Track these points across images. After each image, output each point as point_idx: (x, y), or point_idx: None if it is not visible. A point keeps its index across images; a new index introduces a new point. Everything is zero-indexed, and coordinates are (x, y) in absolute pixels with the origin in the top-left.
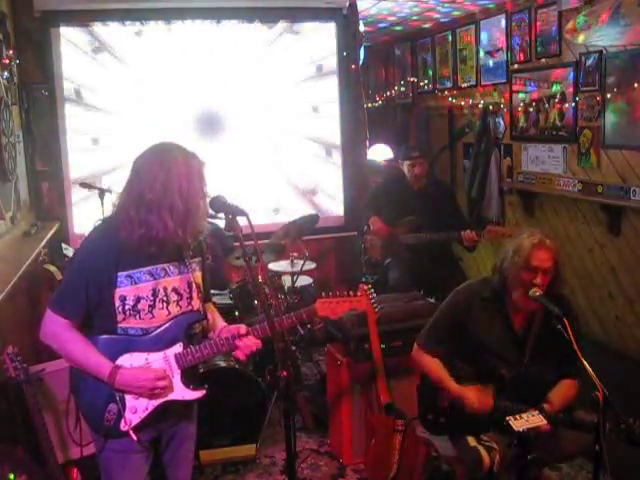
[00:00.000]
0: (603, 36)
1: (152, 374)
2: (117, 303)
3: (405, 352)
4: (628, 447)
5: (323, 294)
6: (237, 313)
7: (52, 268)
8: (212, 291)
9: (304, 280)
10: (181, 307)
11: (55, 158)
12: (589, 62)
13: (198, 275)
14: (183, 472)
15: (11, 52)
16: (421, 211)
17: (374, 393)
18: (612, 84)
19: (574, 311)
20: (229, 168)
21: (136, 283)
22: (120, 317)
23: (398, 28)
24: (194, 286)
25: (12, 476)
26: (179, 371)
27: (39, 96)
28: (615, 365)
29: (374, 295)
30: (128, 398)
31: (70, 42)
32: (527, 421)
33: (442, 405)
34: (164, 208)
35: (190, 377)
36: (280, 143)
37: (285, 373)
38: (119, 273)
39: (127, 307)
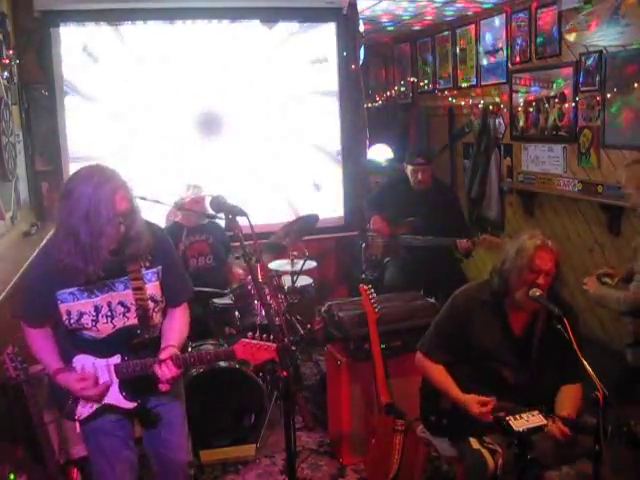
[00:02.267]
0: (603, 36)
1: (81, 383)
2: (64, 316)
3: (405, 352)
4: (630, 449)
5: (248, 335)
6: (237, 313)
7: None
8: (214, 290)
9: (304, 280)
10: (128, 319)
11: (55, 158)
12: (589, 62)
13: (155, 285)
14: (177, 459)
15: (11, 52)
16: (422, 213)
17: (374, 393)
18: (612, 84)
19: (574, 312)
20: (229, 168)
21: (78, 299)
22: (70, 328)
23: (398, 28)
24: (146, 298)
25: (12, 476)
26: (117, 380)
27: (39, 96)
28: (615, 365)
29: (374, 295)
30: None
31: (70, 42)
32: (527, 421)
33: (444, 407)
34: (68, 234)
35: (127, 387)
36: (280, 143)
37: (285, 373)
38: (60, 291)
39: (72, 320)
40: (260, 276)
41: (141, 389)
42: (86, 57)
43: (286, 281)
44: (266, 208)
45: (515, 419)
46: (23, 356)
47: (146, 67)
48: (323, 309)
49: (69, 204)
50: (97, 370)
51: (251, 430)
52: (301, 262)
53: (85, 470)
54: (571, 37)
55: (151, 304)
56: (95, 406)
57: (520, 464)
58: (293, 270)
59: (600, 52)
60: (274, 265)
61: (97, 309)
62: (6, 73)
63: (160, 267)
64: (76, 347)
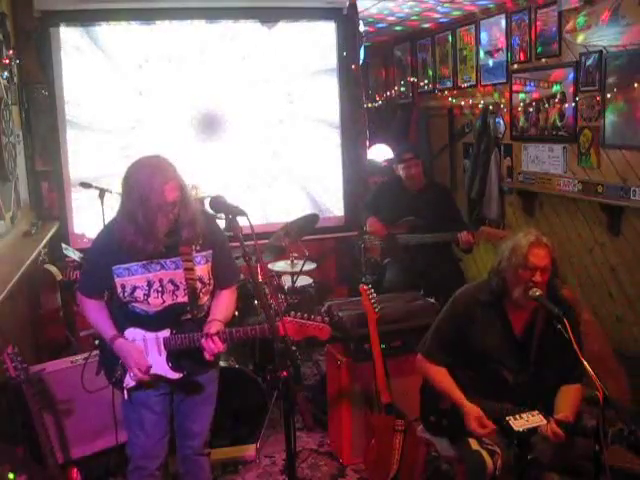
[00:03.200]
0: (603, 36)
1: (139, 358)
2: (119, 289)
3: (405, 352)
4: (631, 452)
5: (292, 313)
6: (237, 313)
7: (52, 268)
8: None
9: (304, 280)
10: (177, 297)
11: (55, 158)
12: (589, 62)
13: (203, 268)
14: (197, 428)
15: (11, 52)
16: (419, 212)
17: (374, 393)
18: (612, 84)
19: (574, 311)
20: (229, 168)
21: (132, 274)
22: (124, 300)
23: (398, 28)
24: (195, 279)
25: (12, 476)
26: (165, 352)
27: (39, 96)
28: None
29: (374, 295)
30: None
31: (70, 42)
32: (527, 421)
33: (444, 407)
34: (128, 216)
35: (174, 359)
36: (280, 143)
37: (285, 373)
38: (117, 266)
39: (126, 293)
40: (260, 276)
41: (187, 361)
42: (86, 57)
43: (286, 281)
44: (266, 208)
45: (515, 419)
46: (23, 356)
47: (146, 67)
48: (323, 309)
49: (127, 189)
50: (147, 342)
51: (251, 430)
52: (301, 262)
53: (85, 470)
54: (571, 37)
55: (199, 285)
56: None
57: (520, 464)
58: (293, 270)
59: (600, 52)
60: (274, 265)
61: (149, 284)
62: (6, 73)
63: (210, 252)
64: (128, 321)
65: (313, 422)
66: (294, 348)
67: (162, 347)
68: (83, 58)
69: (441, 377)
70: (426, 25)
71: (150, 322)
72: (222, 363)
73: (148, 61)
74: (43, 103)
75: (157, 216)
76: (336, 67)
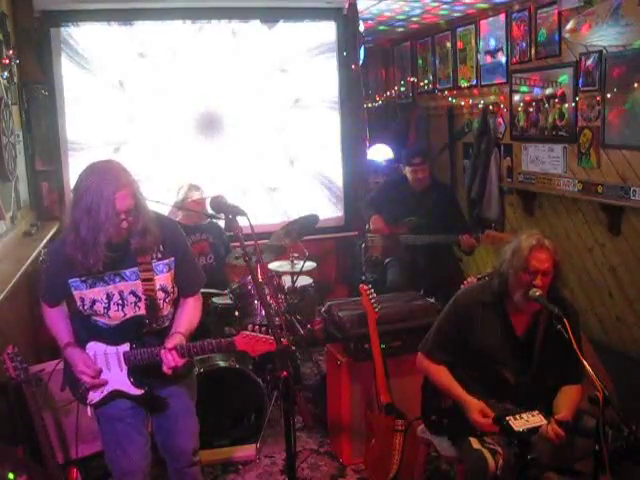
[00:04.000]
0: (603, 36)
1: (84, 366)
2: (78, 302)
3: (405, 352)
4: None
5: (249, 327)
6: (237, 313)
7: None
8: (212, 291)
9: (304, 280)
10: (139, 308)
11: (55, 158)
12: (589, 62)
13: (165, 276)
14: (182, 444)
15: (11, 52)
16: (422, 212)
17: (374, 393)
18: (612, 84)
19: (575, 312)
20: (229, 168)
21: (90, 287)
22: (85, 313)
23: (398, 28)
24: (154, 289)
25: (12, 476)
26: (126, 367)
27: (39, 96)
28: (615, 365)
29: (374, 295)
30: None
31: (70, 42)
32: (527, 421)
33: (445, 406)
34: (72, 226)
35: (135, 374)
36: (280, 143)
37: (285, 373)
38: (73, 279)
39: (86, 306)
40: (260, 276)
41: (149, 376)
42: (86, 57)
43: (286, 281)
44: (266, 208)
45: (515, 419)
46: (23, 356)
47: (146, 67)
48: (323, 309)
49: (75, 196)
50: (108, 356)
51: (251, 430)
52: (301, 262)
53: (85, 470)
54: (571, 37)
55: (161, 294)
56: (105, 391)
57: (520, 464)
58: (293, 270)
59: (600, 52)
60: (274, 265)
61: (109, 297)
62: (6, 73)
63: (173, 259)
64: (90, 334)
65: (313, 422)
66: (294, 348)
67: (122, 362)
68: (82, 58)
69: (442, 375)
70: (426, 25)
71: (111, 335)
72: (222, 363)
73: (148, 61)
74: (43, 103)
75: (102, 228)
76: (336, 67)
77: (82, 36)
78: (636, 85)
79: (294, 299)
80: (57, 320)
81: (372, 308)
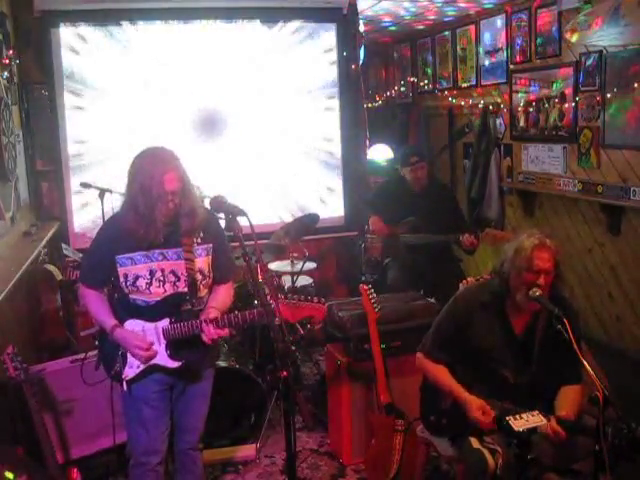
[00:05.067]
0: (603, 36)
1: (137, 340)
2: (122, 279)
3: (405, 352)
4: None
5: (288, 295)
6: (237, 313)
7: (52, 268)
8: None
9: (304, 280)
10: (178, 287)
11: (55, 158)
12: (589, 62)
13: (204, 260)
14: (193, 423)
15: (11, 52)
16: (421, 212)
17: (374, 393)
18: (612, 84)
19: (574, 312)
20: (229, 168)
21: (135, 264)
22: (126, 290)
23: (398, 28)
24: (195, 270)
25: (12, 476)
26: (164, 341)
27: (39, 96)
28: (615, 365)
29: (374, 295)
30: (129, 357)
31: (70, 42)
32: (527, 421)
33: (444, 406)
34: (130, 204)
35: (174, 348)
36: (280, 143)
37: (285, 373)
38: (120, 255)
39: (129, 283)
40: (260, 276)
41: (185, 350)
42: (86, 57)
43: (286, 281)
44: (266, 208)
45: (515, 419)
46: (23, 356)
47: (146, 67)
48: None
49: (130, 178)
50: (146, 332)
51: (251, 430)
52: (301, 262)
53: (85, 470)
54: (571, 37)
55: (199, 276)
56: (142, 367)
57: (520, 464)
58: (293, 270)
59: (600, 52)
60: (274, 265)
61: (152, 273)
62: (6, 73)
63: (211, 245)
64: (128, 313)
65: (313, 422)
66: (294, 348)
67: (161, 337)
68: (82, 58)
69: (441, 374)
70: (426, 25)
71: (150, 313)
72: (222, 363)
73: (148, 61)
74: (43, 103)
75: (157, 205)
76: (336, 67)
77: (82, 36)
78: (636, 85)
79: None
80: (100, 304)
81: (372, 308)
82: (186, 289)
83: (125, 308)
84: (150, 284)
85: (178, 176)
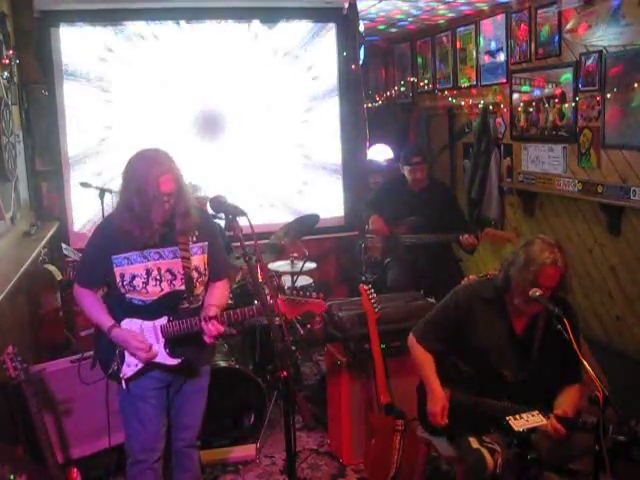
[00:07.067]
0: (603, 36)
1: (137, 342)
2: (118, 279)
3: (405, 352)
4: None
5: (287, 291)
6: (237, 310)
7: (52, 268)
8: None
9: (304, 280)
10: (174, 286)
11: (55, 158)
12: (589, 62)
13: (199, 258)
14: (190, 420)
15: (11, 52)
16: (421, 212)
17: (374, 393)
18: (612, 84)
19: (574, 312)
20: (229, 168)
21: (131, 263)
22: (122, 290)
23: (398, 28)
24: (192, 267)
25: (12, 476)
26: (163, 339)
27: (39, 96)
28: (615, 365)
29: (374, 295)
30: (127, 355)
31: (70, 42)
32: (527, 421)
33: None
34: (126, 205)
35: (172, 346)
36: (280, 143)
37: (285, 373)
38: (116, 255)
39: (125, 282)
40: (260, 276)
41: (184, 347)
42: (86, 57)
43: (286, 281)
44: (266, 208)
45: (515, 419)
46: (23, 356)
47: (146, 67)
48: None
49: (125, 179)
50: (144, 331)
51: (251, 430)
52: (301, 262)
53: (85, 470)
54: (571, 37)
55: (195, 274)
56: (140, 365)
57: (520, 464)
58: (293, 270)
59: (600, 52)
60: (274, 265)
61: (148, 272)
62: (6, 73)
63: (206, 243)
64: (125, 312)
65: (313, 422)
66: (294, 348)
67: (159, 335)
68: (82, 58)
69: (425, 363)
70: (426, 25)
71: (147, 311)
72: (222, 363)
73: (148, 61)
74: (43, 103)
75: (152, 205)
76: (336, 67)
77: (82, 36)
78: (636, 85)
79: None
80: (95, 304)
81: (372, 308)
82: (183, 287)
83: (121, 308)
84: (147, 283)
85: (173, 177)
